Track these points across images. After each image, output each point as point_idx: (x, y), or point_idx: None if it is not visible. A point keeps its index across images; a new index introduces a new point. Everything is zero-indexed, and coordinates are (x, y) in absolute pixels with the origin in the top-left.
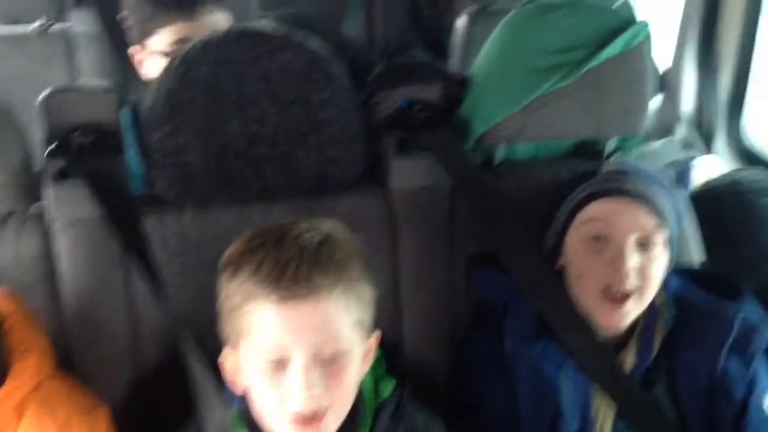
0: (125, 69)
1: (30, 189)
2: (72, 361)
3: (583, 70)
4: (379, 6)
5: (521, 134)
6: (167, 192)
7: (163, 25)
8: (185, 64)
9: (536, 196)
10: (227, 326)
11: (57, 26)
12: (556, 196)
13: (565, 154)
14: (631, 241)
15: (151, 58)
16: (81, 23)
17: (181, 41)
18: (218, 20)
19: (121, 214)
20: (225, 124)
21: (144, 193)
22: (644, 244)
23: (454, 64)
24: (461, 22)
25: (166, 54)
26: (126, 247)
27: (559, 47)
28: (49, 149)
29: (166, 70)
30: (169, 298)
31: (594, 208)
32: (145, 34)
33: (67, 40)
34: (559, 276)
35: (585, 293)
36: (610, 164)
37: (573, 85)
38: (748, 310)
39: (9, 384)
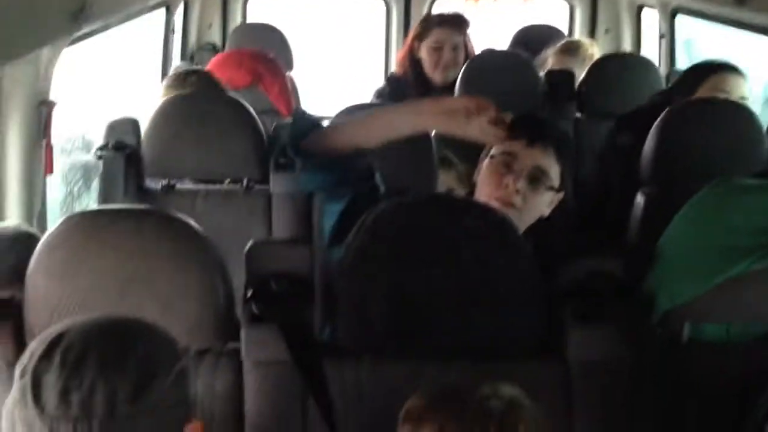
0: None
1: (228, 329)
2: None
3: None
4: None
5: (710, 314)
6: (348, 341)
7: None
8: (377, 222)
9: (726, 381)
10: None
11: (258, 186)
12: (751, 383)
13: (759, 339)
14: None
15: None
16: (278, 185)
17: None
18: None
19: (306, 360)
20: (407, 282)
21: (326, 341)
22: None
23: (631, 237)
24: (640, 198)
25: None
26: (308, 392)
27: (755, 229)
28: (247, 294)
29: (359, 227)
30: None
31: None
32: None
33: (266, 199)
34: None
35: None
36: None
37: None
38: None
39: None
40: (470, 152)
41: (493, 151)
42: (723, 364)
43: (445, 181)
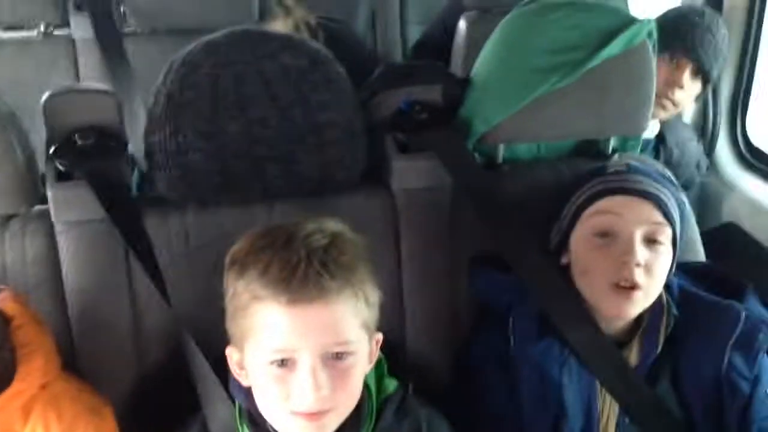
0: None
1: (33, 191)
2: (76, 361)
3: (583, 70)
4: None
5: (522, 134)
6: (169, 193)
7: None
8: (185, 66)
9: (539, 196)
10: (233, 325)
11: (59, 32)
12: (560, 195)
13: (566, 153)
14: (639, 236)
15: None
16: (81, 29)
17: None
18: None
19: (124, 215)
20: (225, 126)
21: (146, 194)
22: (651, 241)
23: (456, 65)
24: (462, 24)
25: None
26: (129, 248)
27: (559, 47)
28: (50, 151)
29: (167, 74)
30: (171, 297)
31: (602, 204)
32: None
33: (69, 45)
34: (563, 273)
35: (591, 288)
36: (616, 163)
37: (573, 85)
38: (752, 306)
39: (16, 385)
40: None
41: None
42: (536, 180)
43: (283, 29)
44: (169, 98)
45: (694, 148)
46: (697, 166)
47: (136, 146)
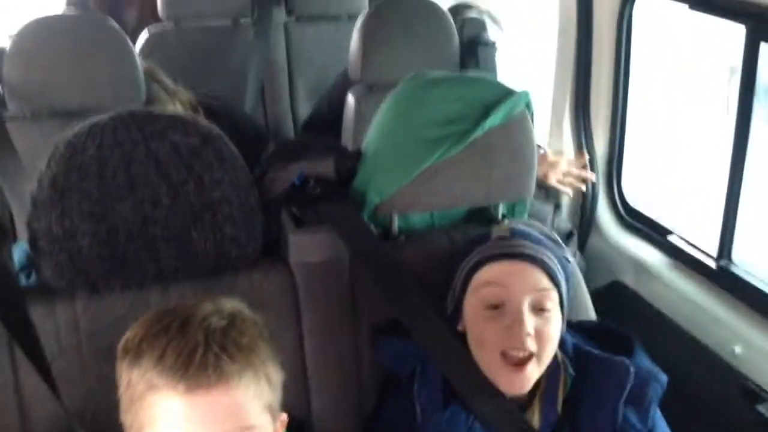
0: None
1: None
2: None
3: (469, 141)
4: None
5: (415, 204)
6: (56, 280)
7: None
8: (70, 148)
9: (434, 263)
10: (128, 417)
11: None
12: (453, 262)
13: (458, 221)
14: (526, 305)
15: None
16: None
17: None
18: None
19: (7, 306)
20: (115, 207)
21: (32, 284)
22: (539, 308)
23: (346, 139)
24: (351, 98)
25: None
26: (13, 341)
27: (445, 119)
28: None
29: (51, 157)
30: (61, 390)
31: (487, 272)
32: None
33: None
34: (462, 339)
35: (485, 357)
36: (500, 228)
37: (460, 154)
38: (640, 362)
39: None
40: (193, 75)
41: None
42: (431, 248)
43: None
44: (54, 182)
45: (560, 222)
46: (565, 237)
47: (22, 234)
